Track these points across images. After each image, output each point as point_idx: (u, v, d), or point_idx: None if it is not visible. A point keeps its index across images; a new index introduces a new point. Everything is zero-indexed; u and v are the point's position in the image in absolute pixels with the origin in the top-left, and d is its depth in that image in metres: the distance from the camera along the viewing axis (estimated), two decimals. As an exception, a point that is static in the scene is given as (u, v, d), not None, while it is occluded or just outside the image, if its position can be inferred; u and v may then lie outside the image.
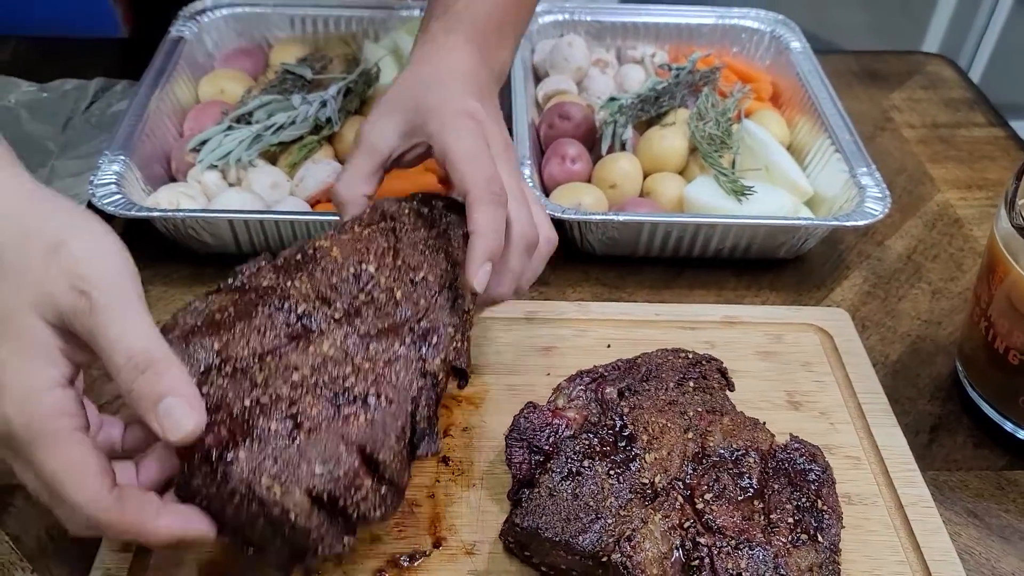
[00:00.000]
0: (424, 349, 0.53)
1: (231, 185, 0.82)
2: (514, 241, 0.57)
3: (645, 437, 0.56)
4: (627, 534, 0.51)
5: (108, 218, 0.78)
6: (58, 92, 0.95)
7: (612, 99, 0.89)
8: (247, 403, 0.47)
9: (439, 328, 0.54)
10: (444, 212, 0.61)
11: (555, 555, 0.52)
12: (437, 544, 0.56)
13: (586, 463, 0.54)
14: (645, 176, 0.86)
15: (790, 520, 0.53)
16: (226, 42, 0.99)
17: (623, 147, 0.87)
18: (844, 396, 0.67)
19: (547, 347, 0.70)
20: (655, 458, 0.55)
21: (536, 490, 0.53)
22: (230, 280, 0.54)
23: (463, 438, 0.63)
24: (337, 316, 0.52)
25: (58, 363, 0.43)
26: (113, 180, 0.76)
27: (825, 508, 0.54)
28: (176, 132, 0.88)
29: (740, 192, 0.79)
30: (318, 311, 0.52)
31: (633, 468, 0.54)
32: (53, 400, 0.42)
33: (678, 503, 0.53)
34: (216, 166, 0.83)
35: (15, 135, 0.90)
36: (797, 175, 0.85)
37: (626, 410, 0.58)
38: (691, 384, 0.61)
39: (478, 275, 0.54)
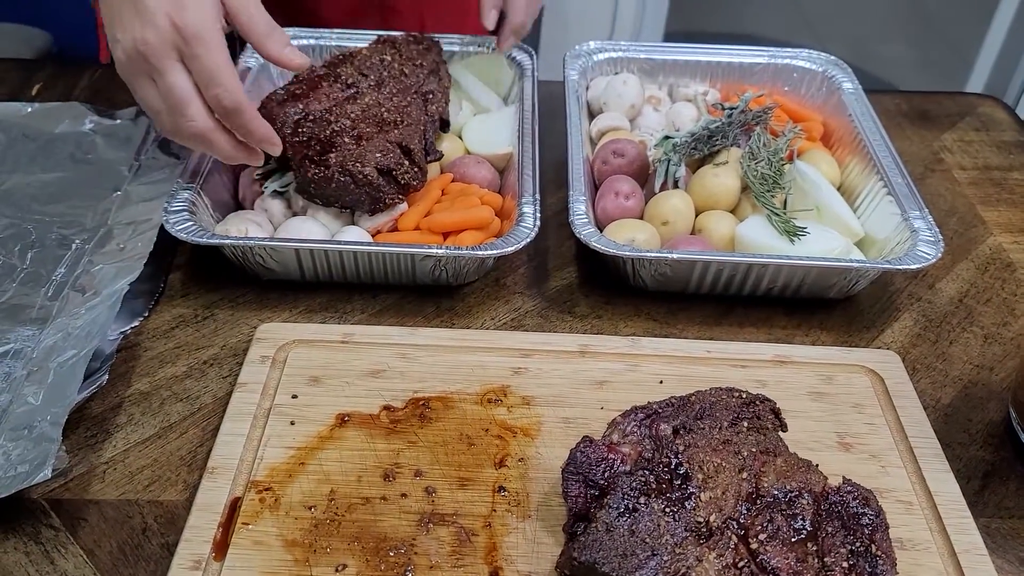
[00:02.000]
0: (426, 102, 0.89)
1: (295, 214, 0.85)
2: None
3: (700, 476, 0.57)
4: (683, 571, 0.52)
5: (176, 243, 0.82)
6: (130, 118, 0.99)
7: (666, 137, 0.90)
8: (328, 132, 0.80)
9: (433, 91, 0.91)
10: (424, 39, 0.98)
11: None
12: (494, 574, 0.58)
13: (642, 500, 0.55)
14: (697, 214, 0.87)
15: (844, 564, 0.54)
16: (290, 72, 1.02)
17: (676, 184, 0.89)
18: (895, 439, 0.68)
19: (600, 381, 0.72)
20: (710, 497, 0.56)
21: (593, 524, 0.55)
22: (296, 76, 0.86)
23: (519, 468, 0.64)
24: (371, 84, 0.87)
25: (218, 5, 0.69)
26: (185, 208, 0.79)
27: (879, 553, 0.55)
28: (243, 160, 0.91)
29: (793, 233, 0.80)
30: (360, 82, 0.87)
31: (688, 507, 0.55)
32: (217, 13, 0.69)
33: (732, 543, 0.54)
34: (282, 193, 0.86)
35: (92, 160, 0.94)
36: (848, 216, 0.86)
37: (681, 448, 0.59)
38: (745, 424, 0.62)
39: (489, 16, 0.94)
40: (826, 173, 0.92)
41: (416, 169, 0.84)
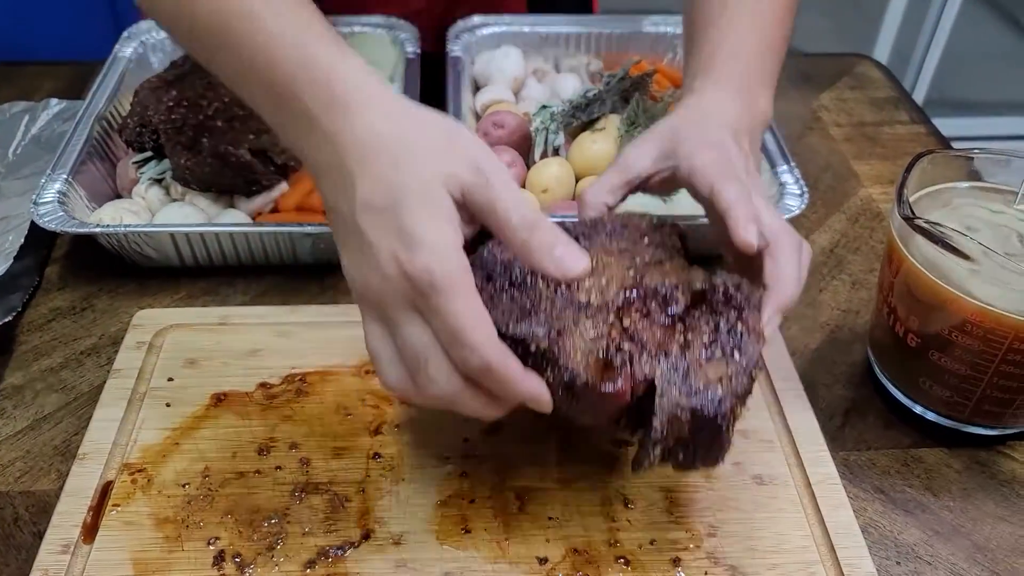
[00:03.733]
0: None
1: (175, 200, 0.85)
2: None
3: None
4: (559, 329, 0.53)
5: (52, 236, 0.81)
6: (6, 115, 0.97)
7: (544, 107, 0.92)
8: (201, 117, 0.79)
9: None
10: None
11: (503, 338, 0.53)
12: (366, 536, 0.59)
13: (529, 277, 0.55)
14: (577, 180, 0.89)
15: (706, 339, 0.55)
16: (171, 60, 1.01)
17: (556, 152, 0.90)
18: (760, 384, 0.71)
19: (478, 346, 0.73)
20: (594, 283, 0.56)
21: (480, 293, 0.52)
22: (172, 62, 0.85)
23: (394, 435, 0.66)
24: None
25: (459, 231, 0.51)
26: (55, 199, 0.78)
27: (743, 330, 0.55)
28: (123, 150, 0.90)
29: (667, 194, 0.83)
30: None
31: (573, 288, 0.55)
32: (462, 257, 0.50)
33: (609, 319, 0.55)
34: (160, 181, 0.85)
35: (-37, 158, 0.92)
36: (722, 175, 0.88)
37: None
38: (646, 239, 0.61)
39: (769, 325, 0.56)
40: (703, 135, 0.94)
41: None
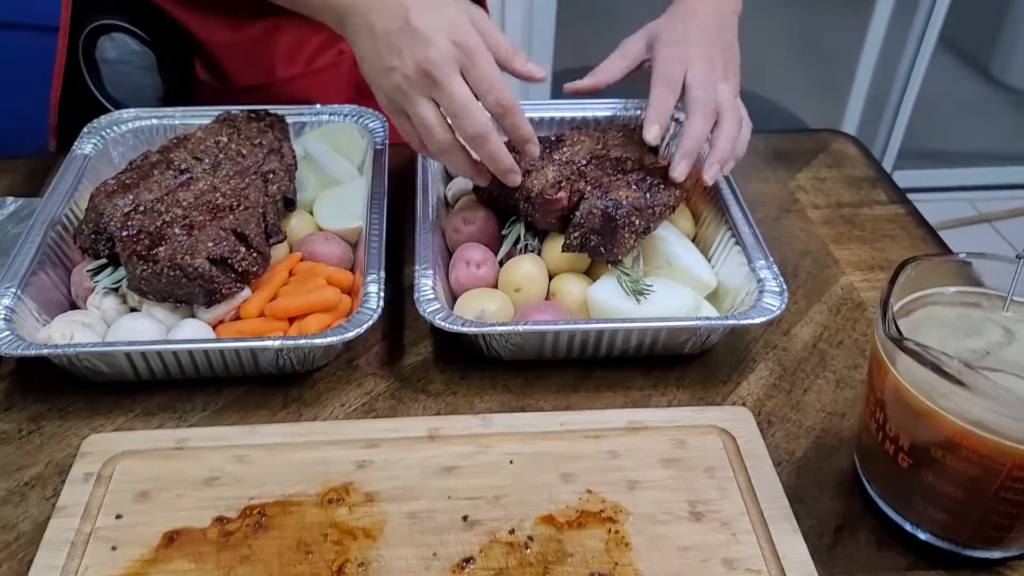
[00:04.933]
0: (266, 183, 0.86)
1: (132, 309, 0.81)
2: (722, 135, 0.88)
3: (569, 142, 0.89)
4: (529, 169, 0.85)
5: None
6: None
7: (514, 220, 0.89)
8: (158, 224, 0.77)
9: (274, 169, 0.87)
10: (267, 115, 0.96)
11: (491, 182, 0.84)
12: None
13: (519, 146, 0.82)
14: (551, 278, 0.86)
15: (631, 180, 0.84)
16: (132, 156, 0.98)
17: (528, 249, 0.88)
18: (746, 502, 0.67)
19: (449, 467, 0.69)
20: (568, 150, 0.88)
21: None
22: (129, 164, 0.86)
23: (358, 574, 0.61)
24: (206, 168, 0.85)
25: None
26: (2, 317, 0.74)
27: (659, 184, 0.84)
28: (79, 255, 0.87)
29: (639, 292, 0.80)
30: (194, 167, 0.85)
31: (553, 152, 0.88)
32: (478, 33, 0.76)
33: (571, 168, 0.86)
34: (116, 290, 0.82)
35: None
36: (700, 269, 0.86)
37: (567, 134, 0.92)
38: (620, 132, 0.92)
39: (679, 168, 0.85)
40: (682, 227, 0.92)
41: (255, 255, 0.80)
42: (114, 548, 0.62)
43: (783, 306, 0.78)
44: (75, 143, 0.96)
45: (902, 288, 0.65)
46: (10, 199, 0.97)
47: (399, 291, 0.90)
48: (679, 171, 0.84)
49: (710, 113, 0.86)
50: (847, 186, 1.08)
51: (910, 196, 1.12)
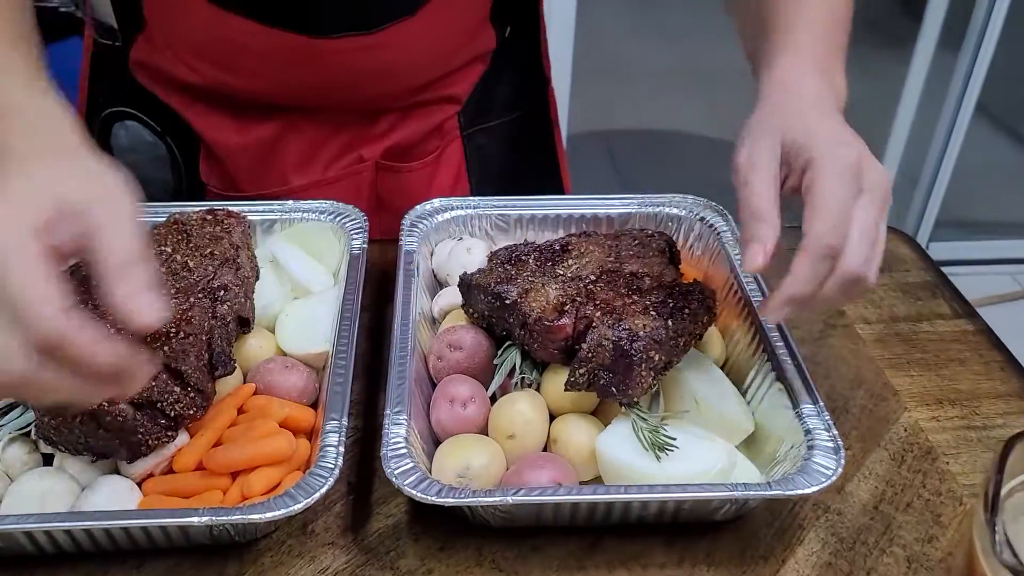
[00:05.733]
0: (215, 302, 0.71)
1: (47, 456, 0.67)
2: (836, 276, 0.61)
3: (575, 253, 0.76)
4: (527, 287, 0.72)
5: None
6: None
7: (510, 345, 0.75)
8: None
9: (227, 284, 0.73)
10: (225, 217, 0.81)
11: (481, 301, 0.74)
12: None
13: (524, 257, 0.76)
14: (553, 417, 0.71)
15: (650, 303, 0.69)
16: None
17: (525, 383, 0.73)
18: None
19: None
20: (575, 263, 0.75)
21: (484, 265, 0.78)
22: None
23: None
24: None
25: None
26: None
27: (684, 309, 0.69)
28: (-9, 385, 0.73)
29: (660, 447, 0.65)
30: None
31: (557, 266, 0.75)
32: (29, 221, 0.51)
33: (576, 286, 0.72)
34: (28, 433, 0.68)
35: None
36: (734, 411, 0.71)
37: (573, 240, 0.78)
38: (635, 241, 0.78)
39: (775, 312, 0.63)
40: (709, 350, 0.77)
41: (192, 395, 0.66)
42: None
43: (839, 469, 0.63)
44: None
45: (1011, 468, 0.50)
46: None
47: (370, 429, 0.75)
48: (772, 315, 0.63)
49: (830, 253, 0.60)
50: (902, 295, 0.92)
51: (946, 270, 0.97)
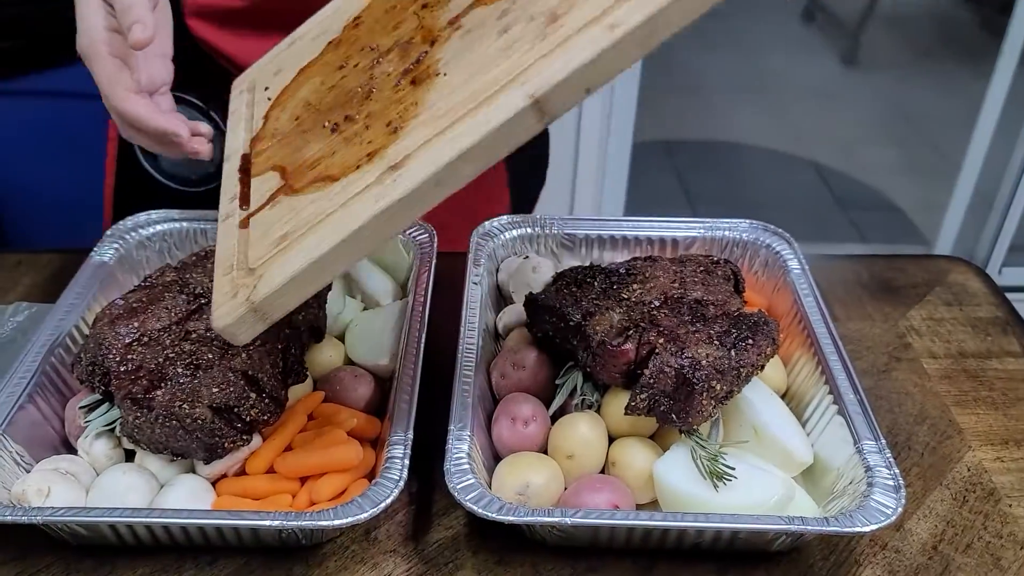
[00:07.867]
0: (291, 312, 0.65)
1: (128, 452, 0.71)
2: None
3: (640, 278, 0.76)
4: (592, 311, 0.73)
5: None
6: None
7: (571, 366, 0.76)
8: (160, 360, 0.67)
9: None
10: None
11: (545, 321, 0.76)
12: None
13: (589, 279, 0.77)
14: (613, 439, 0.73)
15: (714, 333, 0.70)
16: (152, 265, 0.90)
17: (585, 405, 0.74)
18: None
19: None
20: (639, 288, 0.75)
21: (550, 286, 0.80)
22: (141, 282, 0.76)
23: None
24: None
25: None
26: (-29, 467, 0.65)
27: (748, 339, 0.69)
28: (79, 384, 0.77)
29: (718, 476, 0.66)
30: (210, 291, 0.68)
31: (622, 289, 0.75)
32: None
33: (640, 311, 0.72)
34: (113, 429, 0.72)
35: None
36: (794, 442, 0.71)
37: (638, 265, 0.78)
38: (700, 268, 0.78)
39: None
40: (770, 379, 0.77)
41: (266, 401, 0.69)
42: None
43: (899, 509, 0.62)
44: (94, 248, 0.88)
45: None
46: (24, 305, 0.89)
47: (434, 442, 0.77)
48: None
49: None
50: (971, 331, 0.91)
51: (1020, 296, 0.95)
